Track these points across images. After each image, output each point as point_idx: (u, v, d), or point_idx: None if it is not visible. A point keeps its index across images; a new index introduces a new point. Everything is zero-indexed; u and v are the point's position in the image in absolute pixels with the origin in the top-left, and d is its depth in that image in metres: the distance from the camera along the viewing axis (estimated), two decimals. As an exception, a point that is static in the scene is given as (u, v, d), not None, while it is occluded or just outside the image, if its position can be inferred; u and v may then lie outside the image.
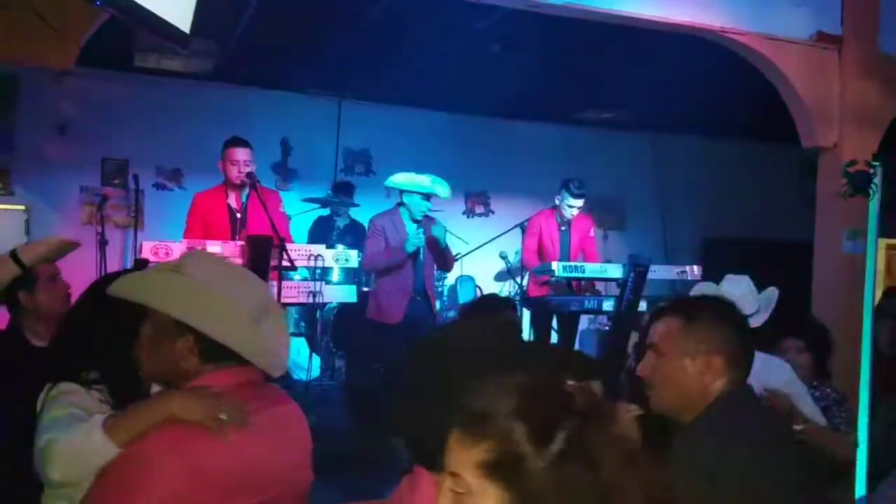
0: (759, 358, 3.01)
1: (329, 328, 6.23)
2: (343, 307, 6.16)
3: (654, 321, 2.00)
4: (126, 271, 2.13)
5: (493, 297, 4.25)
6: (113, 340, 1.85)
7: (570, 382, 0.87)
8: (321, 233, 6.94)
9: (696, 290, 3.26)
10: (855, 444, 3.11)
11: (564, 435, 0.84)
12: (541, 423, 0.84)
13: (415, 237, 5.08)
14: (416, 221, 5.19)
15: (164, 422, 1.53)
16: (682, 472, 1.79)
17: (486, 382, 0.89)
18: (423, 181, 5.15)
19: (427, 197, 5.17)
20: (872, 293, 5.02)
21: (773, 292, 3.22)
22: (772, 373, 2.85)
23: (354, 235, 6.99)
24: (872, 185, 4.98)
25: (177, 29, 3.57)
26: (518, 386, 0.87)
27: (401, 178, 5.21)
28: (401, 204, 5.26)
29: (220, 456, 1.52)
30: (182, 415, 1.53)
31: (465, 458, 0.87)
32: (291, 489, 1.67)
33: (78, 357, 1.98)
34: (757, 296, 3.19)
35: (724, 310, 1.94)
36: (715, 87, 6.33)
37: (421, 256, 5.18)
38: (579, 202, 5.83)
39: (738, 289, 3.15)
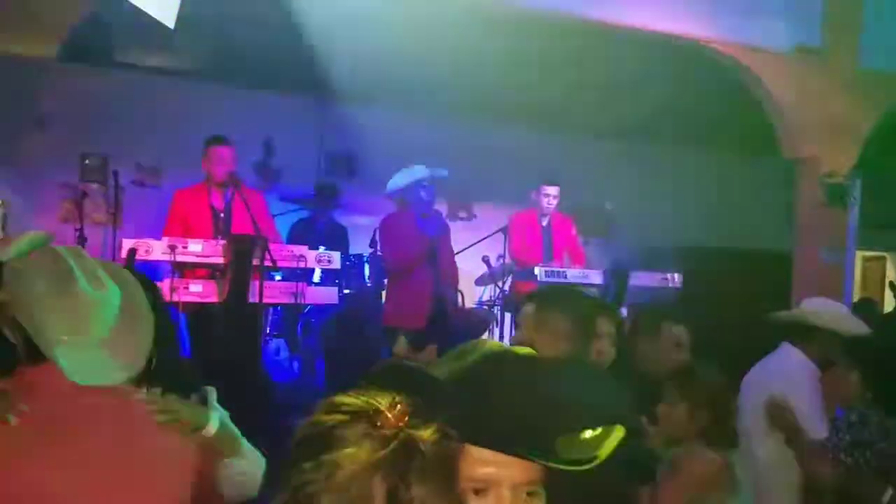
0: (761, 366, 3.13)
1: (317, 332, 6.20)
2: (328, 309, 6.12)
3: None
4: None
5: None
6: None
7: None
8: (302, 234, 6.88)
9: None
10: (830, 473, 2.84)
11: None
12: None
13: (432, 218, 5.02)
14: (425, 216, 5.08)
15: None
16: None
17: None
18: (419, 169, 5.11)
19: (427, 184, 5.08)
20: (851, 303, 5.07)
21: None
22: (771, 381, 3.14)
23: (335, 238, 6.94)
24: (851, 197, 5.05)
25: (161, 24, 3.54)
26: None
27: (397, 179, 5.16)
28: (407, 203, 5.16)
29: None
30: None
31: None
32: None
33: None
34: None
35: (565, 300, 2.35)
36: (696, 96, 6.38)
37: (436, 257, 5.02)
38: (554, 189, 5.90)
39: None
